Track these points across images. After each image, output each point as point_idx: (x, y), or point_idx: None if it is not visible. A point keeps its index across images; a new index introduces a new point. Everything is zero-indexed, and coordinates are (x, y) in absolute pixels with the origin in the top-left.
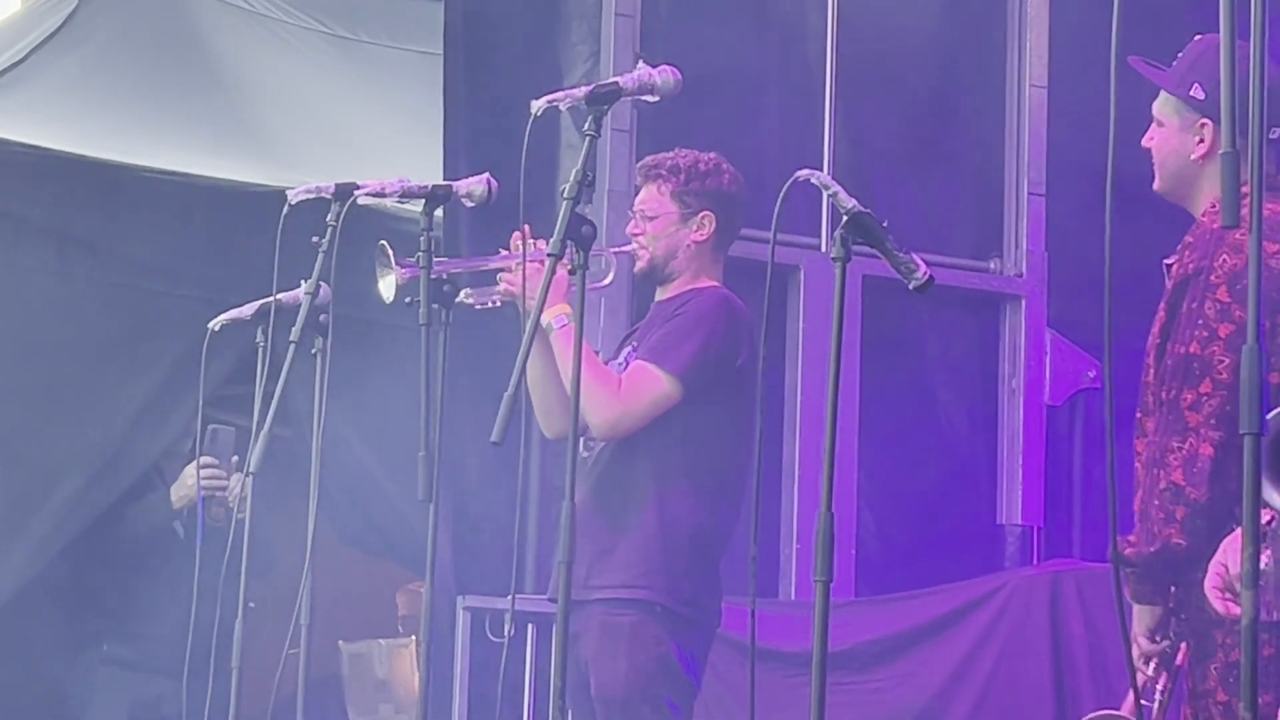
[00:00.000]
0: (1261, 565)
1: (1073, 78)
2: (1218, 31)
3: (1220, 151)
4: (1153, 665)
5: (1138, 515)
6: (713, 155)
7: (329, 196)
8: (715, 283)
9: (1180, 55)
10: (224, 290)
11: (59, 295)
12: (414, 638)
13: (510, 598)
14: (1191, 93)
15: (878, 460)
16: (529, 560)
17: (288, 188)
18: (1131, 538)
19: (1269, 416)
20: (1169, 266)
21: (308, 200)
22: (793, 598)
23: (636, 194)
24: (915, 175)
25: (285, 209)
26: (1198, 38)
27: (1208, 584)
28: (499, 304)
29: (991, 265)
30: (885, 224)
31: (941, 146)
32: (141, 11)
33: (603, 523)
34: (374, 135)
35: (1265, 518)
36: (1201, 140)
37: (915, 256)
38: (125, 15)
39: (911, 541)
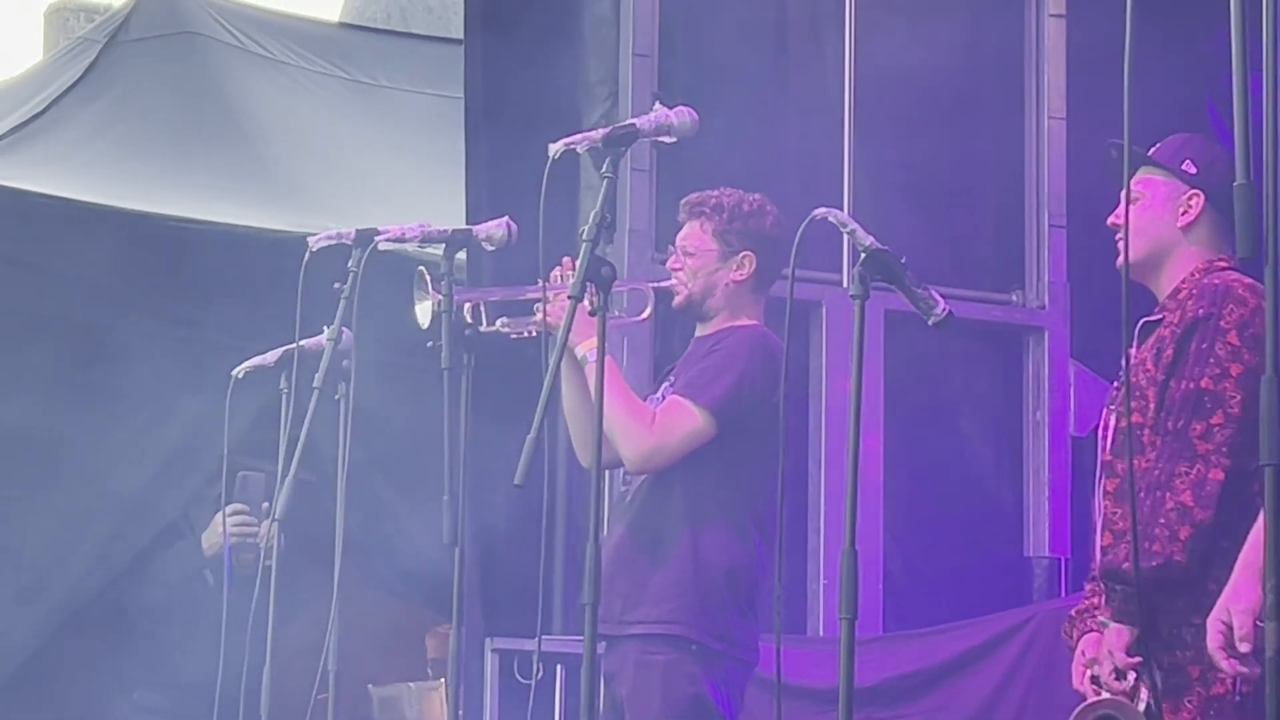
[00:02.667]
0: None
1: (1091, 109)
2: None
3: (1235, 184)
4: (1131, 678)
5: (1099, 550)
6: (757, 196)
7: (350, 242)
8: (755, 321)
9: (1160, 145)
10: (247, 337)
11: (82, 344)
12: (443, 680)
13: (536, 639)
14: (1184, 167)
15: (903, 495)
16: (556, 601)
17: (309, 234)
18: (1125, 564)
19: None
20: (1147, 324)
21: (329, 246)
22: (820, 634)
23: (678, 230)
24: (935, 209)
25: (307, 255)
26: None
27: (1211, 643)
28: (534, 333)
29: (1014, 298)
30: (904, 260)
31: (961, 180)
32: (161, 61)
33: (639, 558)
34: (394, 180)
35: None
36: (1187, 211)
37: (934, 292)
38: (145, 65)
39: (939, 575)
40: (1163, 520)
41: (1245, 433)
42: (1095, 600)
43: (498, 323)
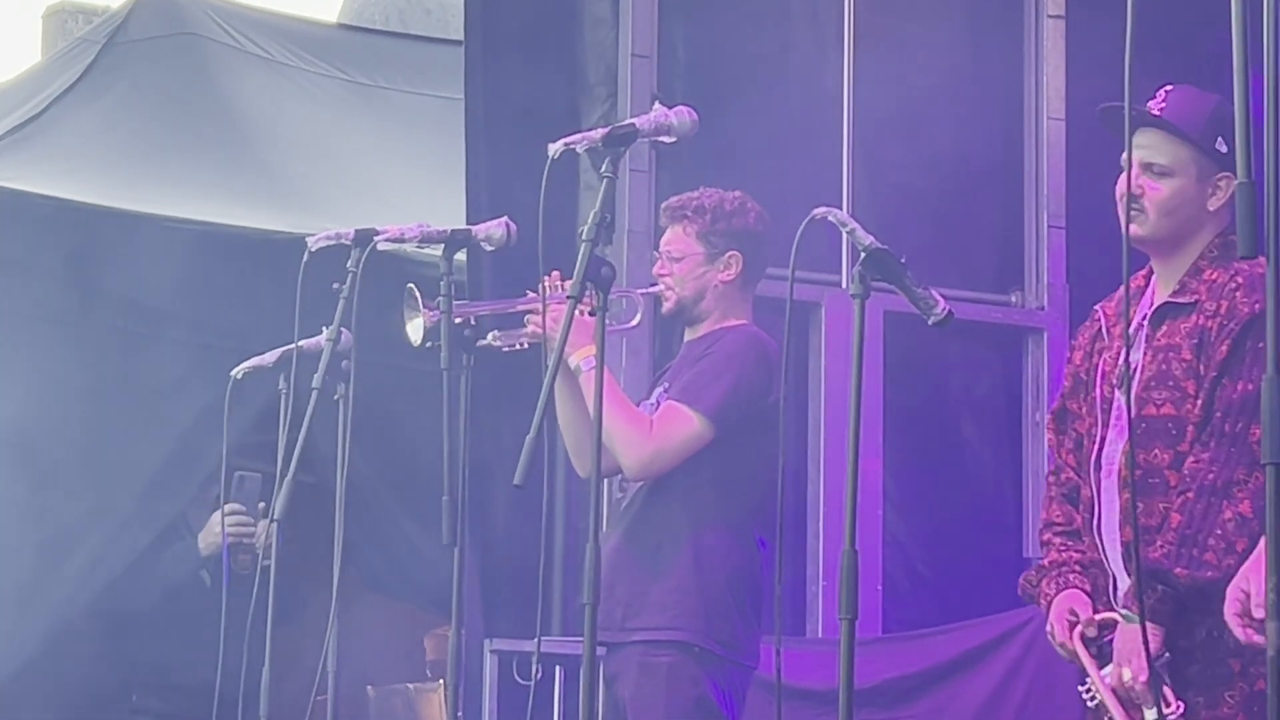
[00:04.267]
0: None
1: (1091, 110)
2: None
3: (1237, 182)
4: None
5: (1119, 543)
6: (738, 194)
7: (349, 243)
8: (744, 321)
9: (1167, 98)
10: (246, 338)
11: (81, 346)
12: (442, 682)
13: (536, 640)
14: (1217, 146)
15: (902, 496)
16: (555, 602)
17: (308, 234)
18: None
19: None
20: (1171, 305)
21: (328, 247)
22: (820, 635)
23: (661, 235)
24: (935, 210)
25: (306, 256)
26: (1204, 95)
27: (1227, 610)
28: (526, 346)
29: (1013, 299)
30: (904, 260)
31: (960, 181)
32: (160, 62)
33: (639, 565)
34: (393, 180)
35: None
36: (1217, 194)
37: (934, 292)
38: (143, 66)
39: (938, 576)
40: (1219, 530)
41: None
42: (1067, 555)
43: (489, 336)
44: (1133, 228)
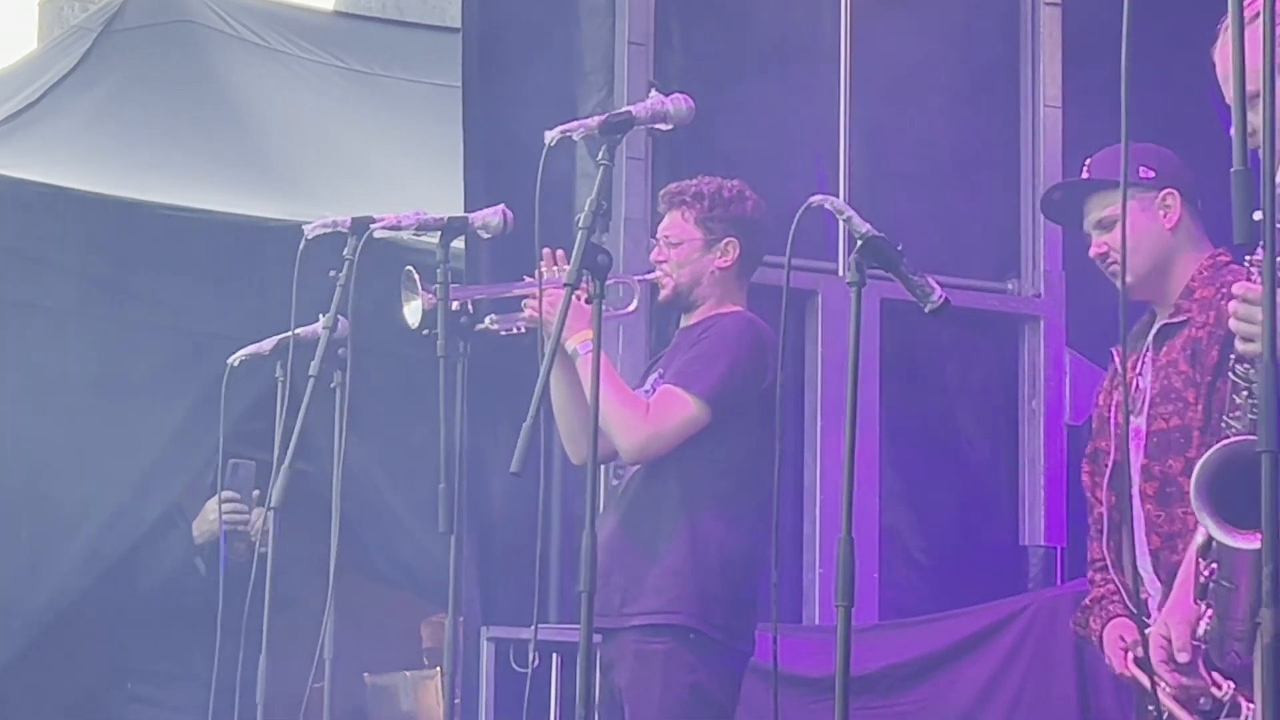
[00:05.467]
0: (1202, 629)
1: (1086, 97)
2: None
3: (1232, 170)
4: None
5: (1149, 554)
6: (736, 182)
7: (345, 230)
8: (739, 308)
9: (1090, 164)
10: (242, 326)
11: (78, 333)
12: (439, 669)
13: (533, 628)
14: (1141, 175)
15: (899, 483)
16: (552, 589)
17: (304, 222)
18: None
19: (1211, 451)
20: (1168, 327)
21: (324, 234)
22: (816, 622)
23: (659, 221)
24: (932, 197)
25: (302, 243)
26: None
27: (1154, 658)
28: (524, 330)
29: (1009, 286)
30: (900, 248)
31: (957, 168)
32: (156, 49)
33: (635, 550)
34: (391, 168)
35: (1205, 572)
36: (1168, 212)
37: (930, 280)
38: (140, 53)
39: (935, 564)
40: None
41: None
42: (1107, 589)
43: (486, 320)
44: (1123, 281)
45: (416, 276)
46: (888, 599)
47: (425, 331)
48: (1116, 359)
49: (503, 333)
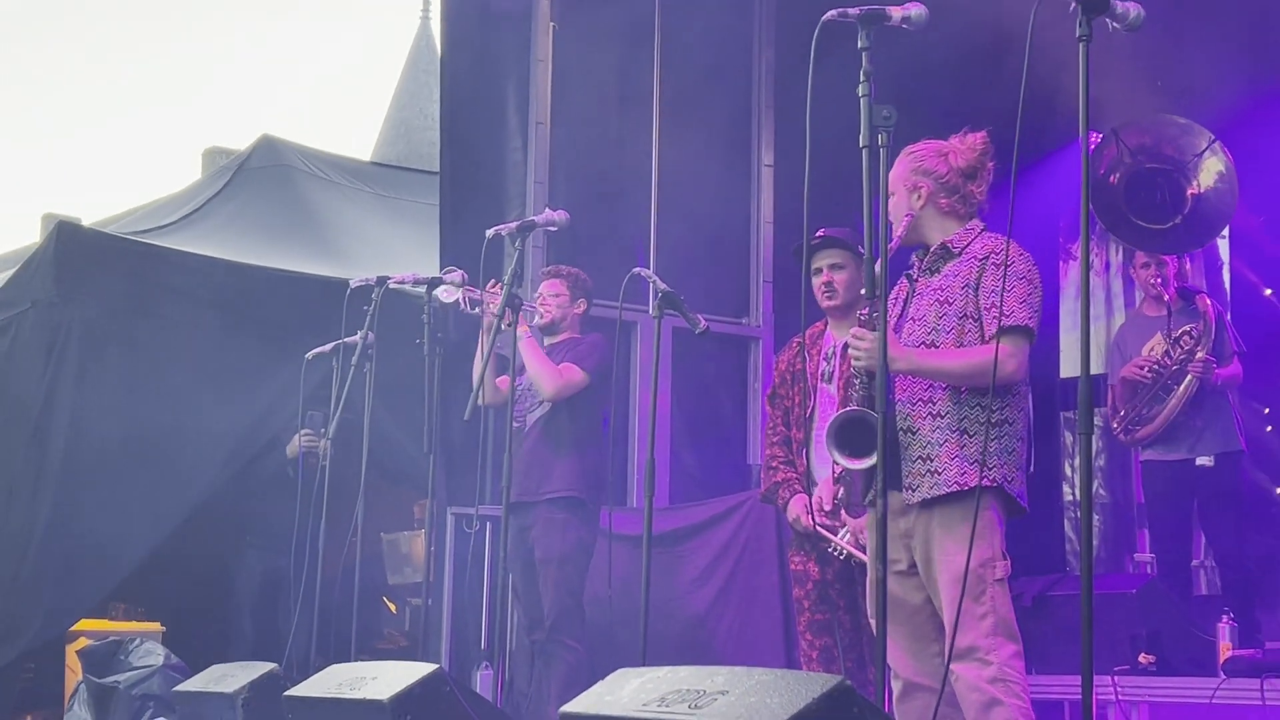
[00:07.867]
0: (841, 495)
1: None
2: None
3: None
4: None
5: None
6: (578, 269)
7: (373, 283)
8: (582, 334)
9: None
10: (312, 336)
11: (221, 339)
12: (423, 531)
13: (475, 507)
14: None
15: (683, 430)
16: (487, 484)
17: (349, 279)
18: None
19: (837, 414)
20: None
21: (361, 286)
22: (633, 505)
23: (544, 280)
24: (701, 260)
25: (348, 291)
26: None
27: (814, 506)
28: (483, 312)
29: (745, 320)
30: (683, 296)
31: (707, 237)
32: (268, 181)
33: (547, 453)
34: (400, 249)
35: (837, 471)
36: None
37: (699, 316)
38: (258, 184)
39: (701, 474)
40: None
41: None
42: (789, 475)
43: (475, 309)
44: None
45: (462, 275)
46: (675, 491)
47: (417, 341)
48: (794, 347)
49: (476, 313)
